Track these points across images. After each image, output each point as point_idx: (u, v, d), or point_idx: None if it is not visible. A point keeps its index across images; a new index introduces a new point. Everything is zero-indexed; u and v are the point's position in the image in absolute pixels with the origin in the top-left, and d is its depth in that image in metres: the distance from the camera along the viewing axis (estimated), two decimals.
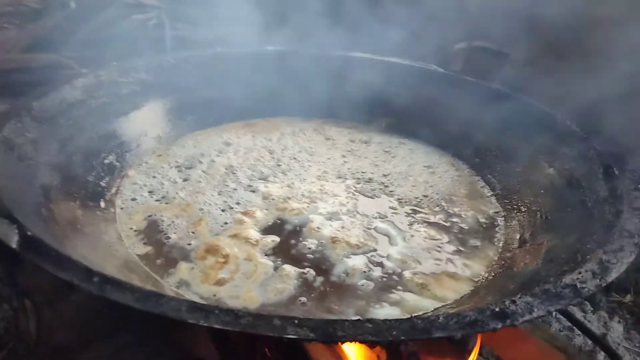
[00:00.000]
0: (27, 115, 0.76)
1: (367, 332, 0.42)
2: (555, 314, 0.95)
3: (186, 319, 0.41)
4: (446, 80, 1.11)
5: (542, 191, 0.83)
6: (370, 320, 0.43)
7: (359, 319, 0.43)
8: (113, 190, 0.84)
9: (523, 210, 0.83)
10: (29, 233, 0.48)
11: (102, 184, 0.84)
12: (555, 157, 0.86)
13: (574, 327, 0.91)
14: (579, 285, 0.49)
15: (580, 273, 0.51)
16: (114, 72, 0.98)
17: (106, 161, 0.88)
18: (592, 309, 1.02)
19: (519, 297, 0.47)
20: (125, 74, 1.00)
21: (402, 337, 0.42)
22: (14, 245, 0.47)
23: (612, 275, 0.51)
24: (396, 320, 0.44)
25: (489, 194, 0.91)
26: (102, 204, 0.79)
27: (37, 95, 0.84)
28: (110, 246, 0.71)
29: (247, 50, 1.19)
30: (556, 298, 0.47)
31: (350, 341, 0.42)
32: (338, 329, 0.42)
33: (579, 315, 0.98)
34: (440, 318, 0.44)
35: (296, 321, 0.42)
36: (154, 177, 0.90)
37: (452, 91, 1.09)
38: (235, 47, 1.91)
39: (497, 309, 0.45)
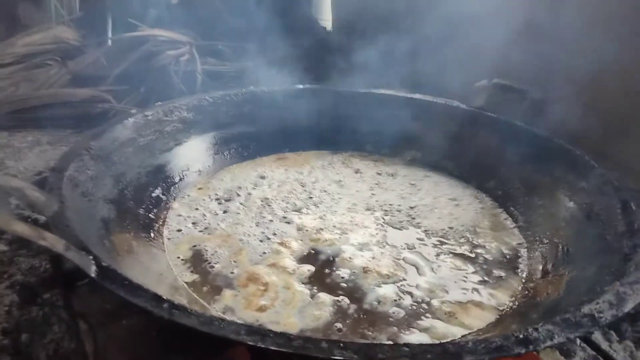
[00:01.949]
0: (86, 154, 0.84)
1: (404, 355, 0.47)
2: (580, 343, 0.98)
3: (245, 340, 0.47)
4: (469, 116, 1.17)
5: (563, 224, 0.87)
6: (406, 345, 0.48)
7: (397, 343, 0.48)
8: (160, 221, 0.91)
9: (545, 242, 0.87)
10: (104, 264, 0.55)
11: (151, 215, 0.91)
12: (574, 191, 0.90)
13: (599, 357, 0.93)
14: (596, 315, 0.53)
15: (598, 303, 0.56)
16: (159, 111, 1.07)
17: (154, 194, 0.96)
18: (617, 338, 1.04)
19: (541, 325, 0.51)
20: (169, 113, 1.08)
21: None
22: (92, 275, 0.54)
23: (629, 306, 0.55)
24: (430, 344, 0.49)
25: (511, 226, 0.95)
26: (152, 235, 0.87)
27: (93, 135, 0.92)
28: (162, 274, 0.78)
29: (278, 89, 1.27)
30: (575, 326, 0.52)
31: None
32: (379, 352, 0.47)
33: (604, 345, 1.00)
34: (470, 343, 0.49)
35: (341, 344, 0.47)
36: (197, 209, 0.97)
37: (475, 126, 1.15)
38: (261, 81, 2.01)
39: (520, 336, 0.50)
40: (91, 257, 0.56)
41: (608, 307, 0.55)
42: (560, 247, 0.84)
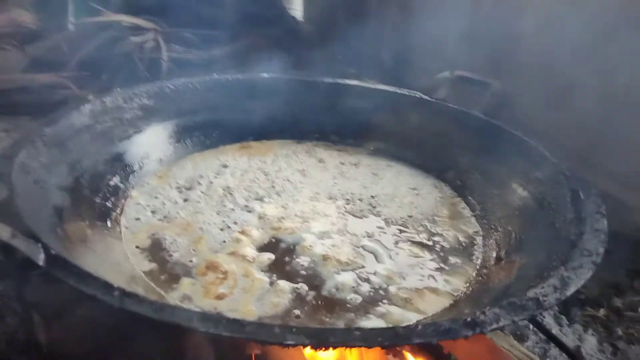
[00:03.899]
0: (39, 140, 0.82)
1: (356, 338, 0.48)
2: (532, 328, 1.01)
3: (198, 327, 0.47)
4: (430, 107, 1.19)
5: (516, 212, 0.90)
6: (358, 329, 0.49)
7: (349, 328, 0.49)
8: (118, 210, 0.90)
9: (499, 230, 0.90)
10: (53, 252, 0.54)
11: (108, 204, 0.89)
12: (528, 181, 0.93)
13: (549, 340, 0.97)
14: (541, 298, 0.55)
15: (543, 287, 0.58)
16: (119, 97, 1.04)
17: (111, 183, 0.94)
18: (568, 322, 1.08)
19: (488, 309, 0.53)
20: (128, 99, 1.06)
21: (386, 343, 0.48)
22: (40, 263, 0.52)
23: (571, 290, 0.58)
24: (382, 328, 0.50)
25: (469, 215, 0.98)
26: (109, 224, 0.85)
27: (47, 121, 0.89)
28: (118, 263, 0.76)
29: (242, 77, 1.26)
30: (520, 309, 0.54)
31: (341, 347, 0.47)
32: (330, 336, 0.48)
33: (555, 329, 1.05)
34: (419, 326, 0.50)
35: (294, 329, 0.48)
36: (156, 197, 0.96)
37: (436, 117, 1.17)
38: (227, 70, 1.99)
39: (468, 319, 0.51)
40: (40, 245, 0.54)
41: (552, 291, 0.57)
42: (513, 234, 0.86)
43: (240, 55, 2.23)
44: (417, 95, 1.23)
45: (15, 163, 0.72)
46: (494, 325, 0.51)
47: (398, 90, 1.25)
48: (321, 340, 0.48)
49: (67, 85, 1.88)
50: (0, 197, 0.64)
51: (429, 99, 1.21)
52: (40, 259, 0.53)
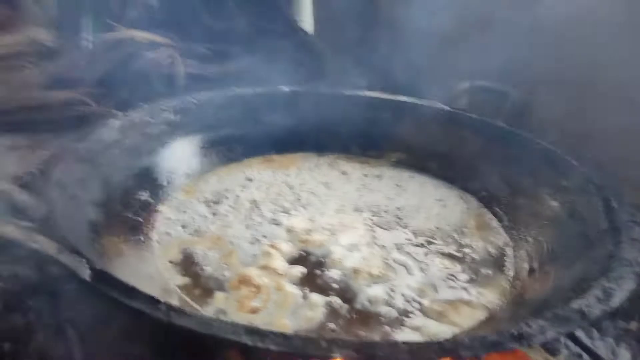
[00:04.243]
0: (73, 156, 0.83)
1: (403, 351, 0.48)
2: (565, 341, 1.00)
3: (245, 341, 0.47)
4: (451, 117, 1.19)
5: (546, 223, 0.89)
6: (405, 342, 0.49)
7: (395, 341, 0.49)
8: (149, 225, 0.91)
9: (530, 241, 0.89)
10: (97, 267, 0.54)
11: (139, 219, 0.90)
12: (557, 190, 0.93)
13: (583, 353, 0.96)
14: (585, 310, 0.55)
15: (585, 299, 0.58)
16: (145, 113, 1.06)
17: (141, 198, 0.95)
18: (599, 336, 1.07)
19: (533, 321, 0.53)
20: (154, 114, 1.07)
21: (433, 356, 0.48)
22: (87, 278, 0.53)
23: (616, 301, 0.57)
24: (427, 342, 0.50)
25: (497, 226, 0.97)
26: (141, 238, 0.86)
27: (79, 137, 0.90)
28: (152, 277, 0.77)
29: (263, 90, 1.27)
30: (566, 321, 0.53)
31: None
32: (378, 350, 0.47)
33: (587, 342, 1.03)
34: (466, 340, 0.50)
35: (341, 343, 0.48)
36: (185, 212, 0.96)
37: (458, 127, 1.17)
38: (246, 84, 2.01)
39: (514, 332, 0.51)
40: (84, 260, 0.55)
41: (596, 302, 0.57)
42: (545, 245, 0.86)
43: (254, 68, 2.25)
44: (437, 106, 1.23)
45: (51, 179, 0.73)
46: (541, 338, 0.51)
47: (418, 101, 1.26)
48: (369, 354, 0.48)
49: (85, 101, 1.90)
50: (40, 213, 0.64)
51: (449, 109, 1.22)
52: (86, 274, 0.53)
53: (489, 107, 1.19)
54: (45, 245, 0.52)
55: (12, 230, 0.50)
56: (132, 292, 0.52)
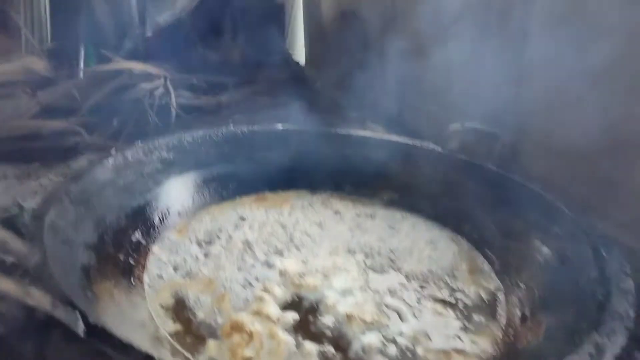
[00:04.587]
0: (67, 198, 0.83)
1: None
2: None
3: None
4: (443, 159, 1.21)
5: (537, 269, 0.90)
6: None
7: None
8: (140, 267, 0.90)
9: (521, 286, 0.90)
10: (92, 321, 0.54)
11: (131, 261, 0.89)
12: (547, 236, 0.94)
13: None
14: None
15: (578, 354, 0.58)
16: (139, 151, 1.06)
17: (133, 239, 0.94)
18: None
19: None
20: (148, 153, 1.08)
21: None
22: (80, 333, 0.52)
23: (608, 357, 0.58)
24: None
25: (488, 270, 0.98)
26: (133, 281, 0.85)
27: (73, 176, 0.90)
28: (143, 324, 0.76)
29: (257, 129, 1.28)
30: None
31: None
32: None
33: None
34: None
35: None
36: (177, 253, 0.96)
37: (449, 169, 1.19)
38: (239, 115, 2.02)
39: None
40: (78, 312, 0.54)
41: (589, 359, 0.57)
42: (536, 292, 0.86)
43: (247, 100, 2.27)
44: (429, 147, 1.25)
45: (45, 223, 0.73)
46: None
47: (410, 142, 1.28)
48: None
49: (77, 131, 1.90)
50: (34, 260, 0.64)
51: (441, 150, 1.23)
52: (80, 329, 0.52)
53: (480, 149, 1.21)
54: (40, 299, 0.52)
55: (7, 284, 0.50)
56: (126, 348, 0.51)
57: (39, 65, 2.34)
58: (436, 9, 1.69)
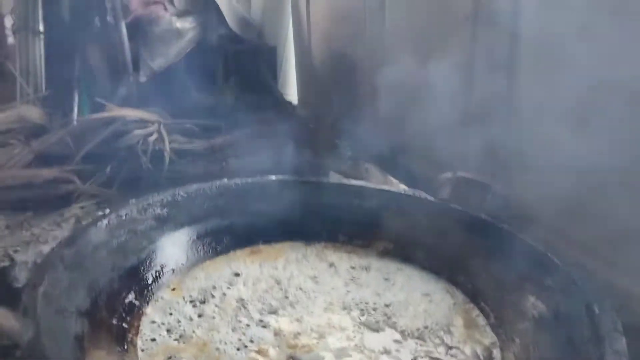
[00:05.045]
0: (60, 265, 0.83)
1: None
2: None
3: None
4: (436, 208, 1.22)
5: (532, 323, 0.90)
6: None
7: None
8: (134, 331, 0.89)
9: (517, 341, 0.90)
10: None
11: (124, 325, 0.89)
12: (541, 289, 0.94)
13: None
14: None
15: None
16: (133, 209, 1.07)
17: (127, 300, 0.94)
18: None
19: None
20: (143, 211, 1.08)
21: None
22: None
23: None
24: None
25: (483, 323, 0.98)
26: (126, 347, 0.84)
27: (66, 241, 0.90)
28: None
29: (250, 180, 1.30)
30: None
31: None
32: None
33: None
34: None
35: None
36: (171, 314, 0.95)
37: (442, 219, 1.20)
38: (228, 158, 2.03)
39: None
40: None
41: None
42: (531, 348, 0.86)
43: (240, 143, 2.30)
44: (421, 196, 1.27)
45: (39, 294, 0.73)
46: None
47: (403, 192, 1.30)
48: None
49: (70, 179, 1.90)
50: (27, 336, 0.63)
51: (433, 200, 1.25)
52: None
53: (472, 198, 1.22)
54: None
55: None
56: None
57: (34, 113, 2.36)
58: (426, 50, 1.74)
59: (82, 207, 1.81)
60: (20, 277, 1.32)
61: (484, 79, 1.50)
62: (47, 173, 1.93)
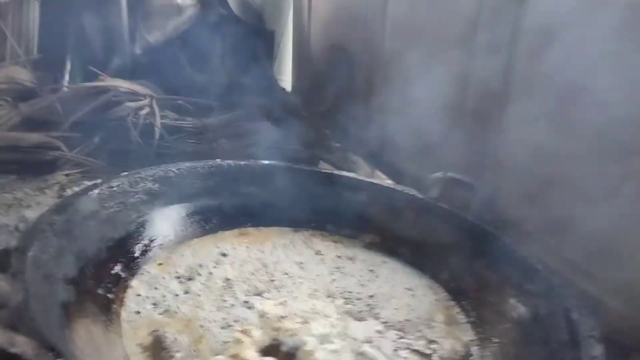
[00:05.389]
0: (50, 230, 0.82)
1: None
2: None
3: None
4: (424, 206, 1.24)
5: (511, 325, 0.93)
6: None
7: None
8: (118, 302, 0.89)
9: (495, 341, 0.92)
10: None
11: (110, 296, 0.88)
12: (521, 292, 0.97)
13: None
14: None
15: None
16: (125, 182, 1.06)
17: (113, 272, 0.94)
18: None
19: None
20: (134, 184, 1.08)
21: None
22: None
23: None
24: None
25: (464, 321, 1.00)
26: (110, 318, 0.84)
27: (57, 208, 0.90)
28: None
29: (243, 163, 1.30)
30: None
31: None
32: None
33: None
34: None
35: None
36: (156, 288, 0.95)
37: (429, 217, 1.22)
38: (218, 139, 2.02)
39: None
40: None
41: None
42: (510, 348, 0.89)
43: (232, 124, 2.29)
44: (411, 193, 1.28)
45: (28, 258, 0.72)
46: None
47: (393, 186, 1.31)
48: None
49: (57, 146, 1.88)
50: (16, 299, 0.63)
51: (422, 197, 1.26)
52: None
53: (459, 199, 1.24)
54: (24, 347, 0.52)
55: None
56: None
57: (23, 75, 2.32)
58: (423, 46, 1.75)
59: (66, 175, 1.79)
60: (0, 240, 1.31)
61: (482, 74, 1.51)
62: (34, 138, 1.90)
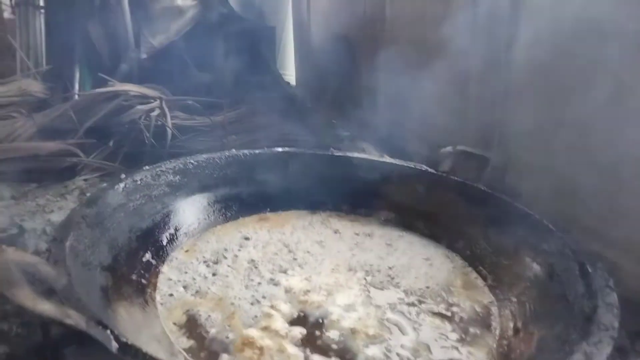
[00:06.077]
0: (83, 222, 0.87)
1: None
2: None
3: None
4: (436, 180, 1.27)
5: (528, 284, 0.96)
6: None
7: None
8: (152, 287, 0.94)
9: (513, 300, 0.95)
10: (123, 339, 0.58)
11: (144, 281, 0.93)
12: (537, 253, 1.00)
13: None
14: None
15: None
16: (147, 175, 1.11)
17: (144, 259, 0.98)
18: None
19: None
20: (156, 177, 1.12)
21: None
22: (114, 350, 0.56)
23: None
24: None
25: (482, 285, 1.04)
26: (146, 300, 0.89)
27: (87, 201, 0.94)
28: (159, 340, 0.80)
29: (258, 151, 1.34)
30: None
31: None
32: None
33: None
34: None
35: None
36: (186, 272, 1.00)
37: (442, 190, 1.25)
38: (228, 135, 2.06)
39: None
40: (109, 331, 0.59)
41: None
42: (528, 305, 0.92)
43: (241, 120, 2.33)
44: (422, 169, 1.31)
45: (67, 247, 0.77)
46: None
47: (405, 163, 1.34)
48: None
49: (74, 152, 1.93)
50: (61, 283, 0.68)
51: (434, 172, 1.30)
52: (113, 346, 0.57)
53: (470, 170, 1.27)
54: (77, 319, 0.56)
55: (48, 306, 0.54)
56: None
57: (35, 87, 2.38)
58: (425, 32, 1.77)
59: (85, 180, 1.84)
60: (30, 243, 1.36)
61: (482, 60, 1.54)
62: (51, 146, 1.95)
